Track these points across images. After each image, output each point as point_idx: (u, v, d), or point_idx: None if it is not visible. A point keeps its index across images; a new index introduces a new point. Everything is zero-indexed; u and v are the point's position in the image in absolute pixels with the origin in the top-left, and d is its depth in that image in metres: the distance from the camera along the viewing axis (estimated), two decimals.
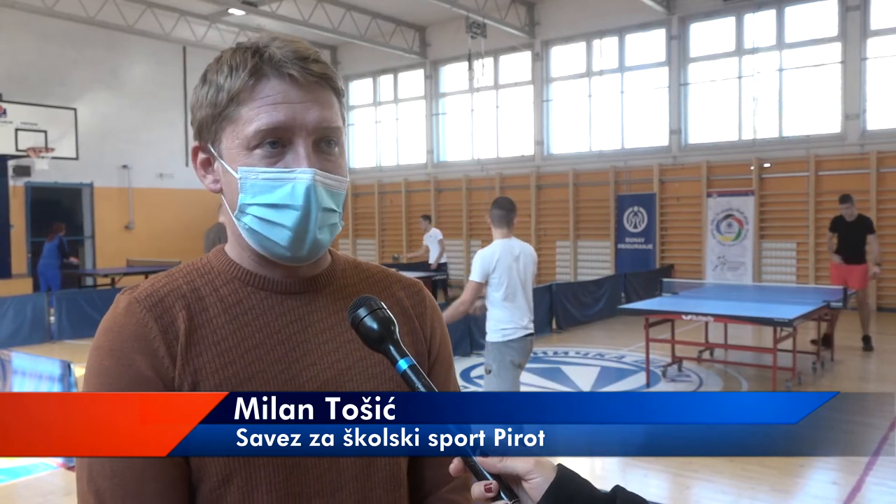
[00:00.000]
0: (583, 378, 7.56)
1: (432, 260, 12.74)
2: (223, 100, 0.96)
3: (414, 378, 0.88)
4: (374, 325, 0.90)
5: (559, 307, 10.62)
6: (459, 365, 8.29)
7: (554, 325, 10.54)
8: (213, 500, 0.97)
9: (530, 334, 4.51)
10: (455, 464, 0.86)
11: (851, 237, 8.64)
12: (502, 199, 4.65)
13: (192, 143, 1.03)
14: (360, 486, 1.02)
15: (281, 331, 1.02)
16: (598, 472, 5.06)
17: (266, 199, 0.96)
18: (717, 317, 6.90)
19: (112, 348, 0.96)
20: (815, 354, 7.79)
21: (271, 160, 0.96)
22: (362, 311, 0.91)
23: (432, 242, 12.79)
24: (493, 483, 0.82)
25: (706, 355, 7.95)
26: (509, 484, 0.83)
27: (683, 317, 6.93)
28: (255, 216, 0.97)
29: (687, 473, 4.80)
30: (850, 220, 8.69)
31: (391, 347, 0.90)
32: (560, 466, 0.84)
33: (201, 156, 1.03)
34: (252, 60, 0.95)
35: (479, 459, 0.83)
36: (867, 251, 8.65)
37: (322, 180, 0.97)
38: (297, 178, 0.95)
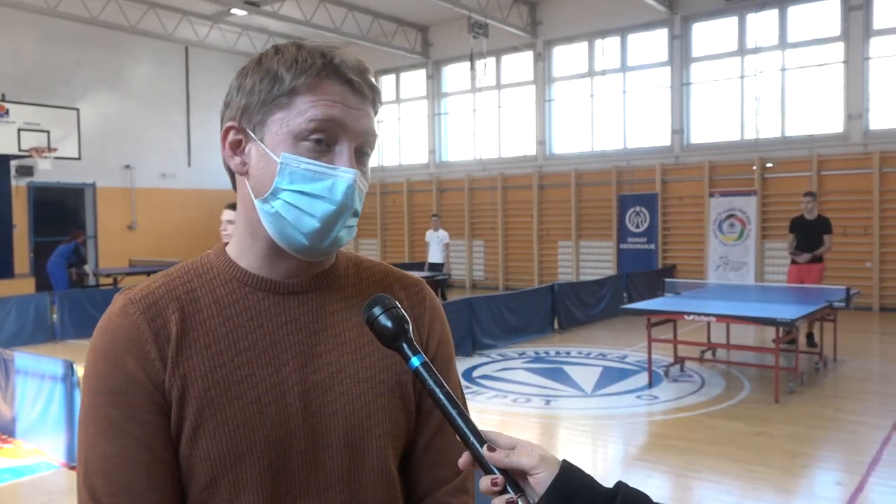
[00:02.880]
0: (585, 378, 7.56)
1: (434, 259, 12.66)
2: (282, 88, 0.98)
3: (426, 375, 0.90)
4: (389, 324, 0.92)
5: (561, 307, 10.62)
6: (462, 365, 8.29)
7: (556, 325, 10.53)
8: (201, 501, 0.98)
9: None
10: (464, 458, 0.88)
11: (811, 237, 8.83)
12: None
13: (229, 123, 1.04)
14: (348, 486, 1.03)
15: (275, 332, 1.02)
16: (601, 471, 5.06)
17: (303, 187, 0.98)
18: (720, 317, 6.89)
19: (106, 349, 0.97)
20: (818, 355, 7.78)
21: (316, 155, 0.99)
22: (377, 310, 0.93)
23: (438, 243, 12.69)
24: (500, 477, 0.84)
25: (708, 355, 7.95)
26: (515, 478, 0.85)
27: (686, 317, 6.92)
28: (287, 201, 0.98)
29: (690, 474, 4.80)
30: (809, 219, 8.88)
31: (404, 345, 0.92)
32: (564, 462, 0.86)
33: (234, 136, 1.03)
34: (320, 60, 0.99)
35: (485, 454, 0.85)
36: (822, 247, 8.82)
37: (359, 183, 1.01)
38: (340, 175, 0.98)
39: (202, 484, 0.97)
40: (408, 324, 0.93)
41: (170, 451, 0.96)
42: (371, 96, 1.04)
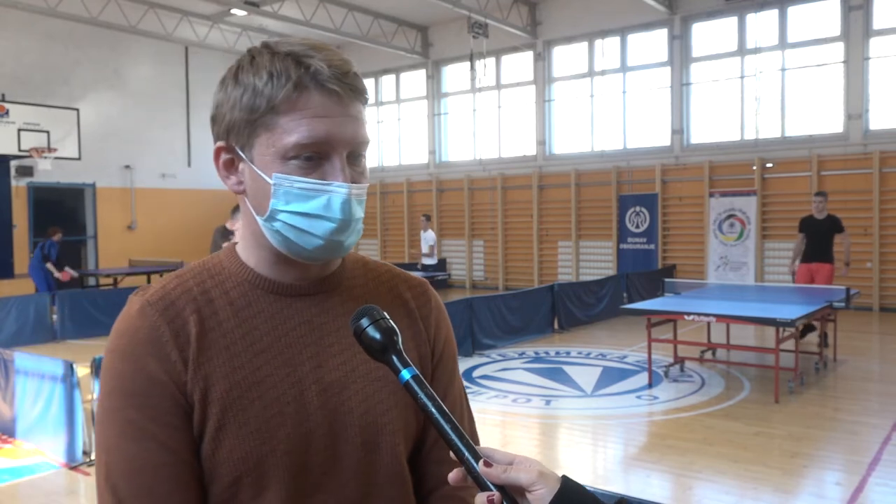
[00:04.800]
0: (585, 378, 7.55)
1: (426, 261, 12.77)
2: (261, 106, 0.96)
3: (417, 389, 0.88)
4: (377, 336, 0.90)
5: (561, 307, 10.62)
6: (462, 365, 8.29)
7: (556, 325, 10.53)
8: (224, 500, 0.99)
9: None
10: (455, 474, 0.86)
11: (820, 236, 8.76)
12: None
13: (218, 143, 1.02)
14: (364, 481, 1.04)
15: (289, 333, 1.03)
16: (601, 472, 5.06)
17: (300, 207, 0.97)
18: (720, 317, 6.89)
19: (126, 351, 0.97)
20: (818, 355, 7.78)
21: (307, 171, 0.97)
22: (364, 322, 0.91)
23: (425, 244, 12.86)
24: (497, 494, 0.81)
25: (708, 355, 7.95)
26: (513, 495, 0.82)
27: (686, 317, 6.93)
28: (287, 223, 0.98)
29: (690, 474, 4.80)
30: (819, 219, 8.84)
31: (394, 357, 0.90)
32: (564, 478, 0.83)
33: (225, 156, 1.02)
34: (296, 71, 0.95)
35: (482, 470, 0.82)
36: (840, 250, 8.75)
37: (356, 193, 0.99)
38: (334, 191, 0.97)
39: (225, 484, 0.98)
40: (397, 335, 0.91)
41: (191, 451, 0.97)
42: (356, 97, 1.00)
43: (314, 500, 1.02)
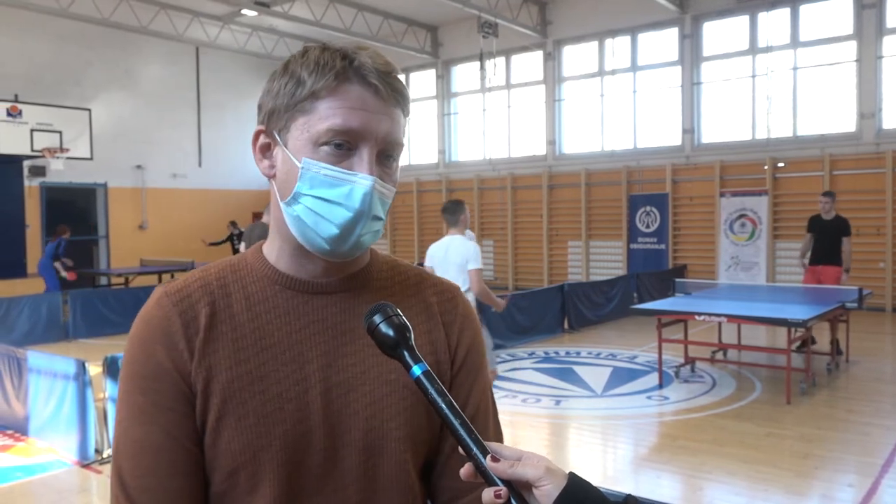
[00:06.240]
0: (595, 378, 7.54)
1: None
2: (303, 92, 0.99)
3: (427, 384, 0.87)
4: (390, 332, 0.90)
5: (571, 307, 10.59)
6: None
7: (566, 325, 10.52)
8: (222, 491, 1.00)
9: None
10: (465, 469, 0.85)
11: (827, 238, 8.52)
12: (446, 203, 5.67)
13: (258, 127, 1.06)
14: (363, 487, 1.03)
15: (301, 331, 1.03)
16: (610, 472, 5.05)
17: (322, 193, 0.99)
18: (731, 317, 6.85)
19: (140, 338, 1.01)
20: (830, 356, 7.73)
21: (336, 159, 0.99)
22: (378, 318, 0.91)
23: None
24: (504, 489, 0.81)
25: (719, 356, 7.91)
26: (520, 490, 0.82)
27: (696, 317, 6.89)
28: (307, 206, 1.00)
29: (700, 475, 4.78)
30: (826, 219, 8.57)
31: (405, 353, 0.90)
32: (571, 474, 0.83)
33: (263, 140, 1.06)
34: (341, 63, 0.99)
35: (489, 465, 0.82)
36: (842, 253, 8.48)
37: (379, 189, 1.01)
38: (358, 182, 0.99)
39: (223, 474, 0.99)
40: (409, 332, 0.91)
41: (192, 439, 0.99)
42: (396, 99, 1.02)
43: (311, 503, 1.01)
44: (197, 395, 0.99)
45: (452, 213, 5.48)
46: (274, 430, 0.99)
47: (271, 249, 1.09)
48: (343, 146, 0.98)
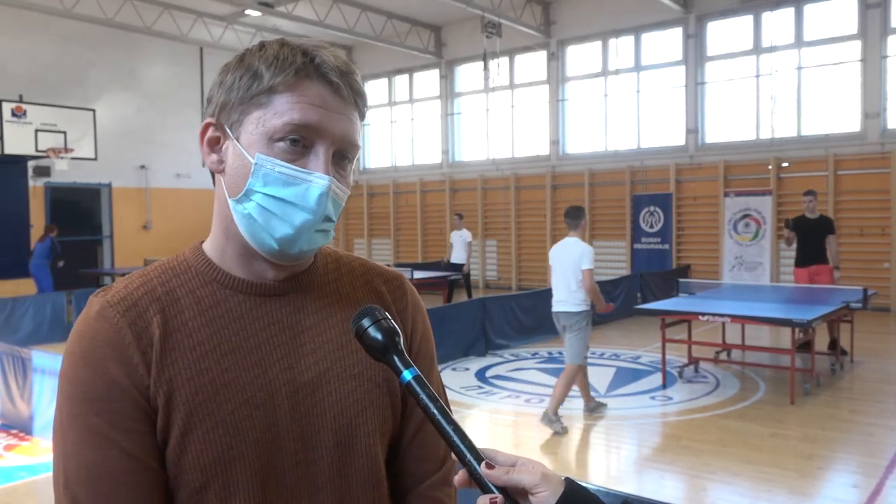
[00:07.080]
0: (598, 379, 7.52)
1: (457, 259, 12.74)
2: (260, 86, 0.96)
3: (419, 390, 0.86)
4: (379, 336, 0.89)
5: None
6: (475, 364, 8.29)
7: None
8: None
9: (556, 311, 6.02)
10: (460, 476, 0.84)
11: (815, 237, 8.40)
12: (568, 208, 6.17)
13: (206, 119, 1.02)
14: (338, 486, 1.01)
15: (258, 334, 1.00)
16: (614, 473, 5.04)
17: (276, 191, 0.96)
18: (735, 317, 6.85)
19: (85, 355, 0.93)
20: (834, 356, 7.71)
21: (291, 157, 0.96)
22: (366, 322, 0.90)
23: (461, 242, 12.80)
24: (499, 496, 0.80)
25: (723, 356, 7.90)
26: (515, 497, 0.81)
27: (700, 317, 6.89)
28: (259, 204, 0.96)
29: (704, 475, 4.77)
30: (811, 219, 8.44)
31: (395, 358, 0.89)
32: (568, 480, 0.82)
33: (212, 133, 1.01)
34: (301, 59, 0.96)
35: (484, 471, 0.81)
36: (829, 252, 8.39)
37: (335, 189, 0.98)
38: (314, 181, 0.96)
39: (191, 489, 0.94)
40: (398, 336, 0.90)
41: (155, 457, 0.93)
42: (353, 99, 1.00)
43: None
44: (158, 410, 0.93)
45: (574, 217, 6.01)
46: (245, 438, 0.95)
47: (214, 249, 1.04)
48: (299, 143, 0.95)
